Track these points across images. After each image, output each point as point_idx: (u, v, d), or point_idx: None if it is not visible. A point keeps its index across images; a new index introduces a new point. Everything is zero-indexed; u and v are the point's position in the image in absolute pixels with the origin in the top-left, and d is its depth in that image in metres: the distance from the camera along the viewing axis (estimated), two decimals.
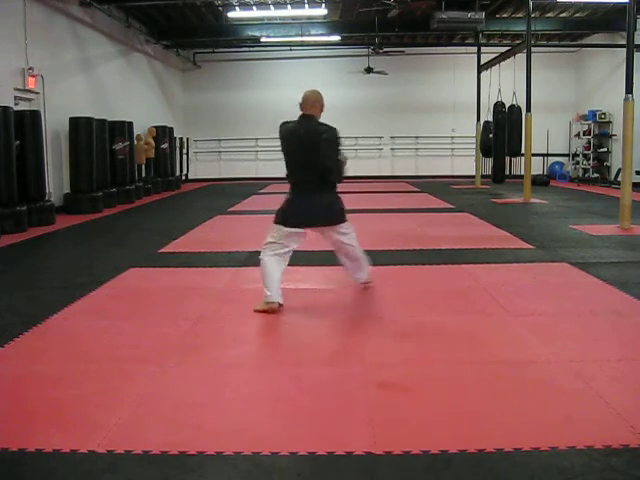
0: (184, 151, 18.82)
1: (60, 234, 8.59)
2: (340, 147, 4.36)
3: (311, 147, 4.22)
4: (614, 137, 16.33)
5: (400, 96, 19.12)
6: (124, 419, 2.69)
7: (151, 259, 6.49)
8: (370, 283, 4.96)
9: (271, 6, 13.98)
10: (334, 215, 4.45)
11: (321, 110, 4.37)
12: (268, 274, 4.35)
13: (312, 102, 4.33)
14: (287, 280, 5.37)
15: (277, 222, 4.39)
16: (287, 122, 4.39)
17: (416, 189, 15.44)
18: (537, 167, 16.82)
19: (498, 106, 13.67)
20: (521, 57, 12.37)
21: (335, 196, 4.47)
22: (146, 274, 5.82)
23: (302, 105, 4.35)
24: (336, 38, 16.44)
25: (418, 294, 4.94)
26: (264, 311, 4.34)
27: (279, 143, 4.41)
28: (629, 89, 8.08)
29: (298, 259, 5.07)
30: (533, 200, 12.02)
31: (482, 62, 15.28)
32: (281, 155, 4.42)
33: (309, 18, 15.06)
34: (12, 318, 4.28)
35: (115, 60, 14.05)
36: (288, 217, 4.36)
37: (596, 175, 16.86)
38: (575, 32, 17.02)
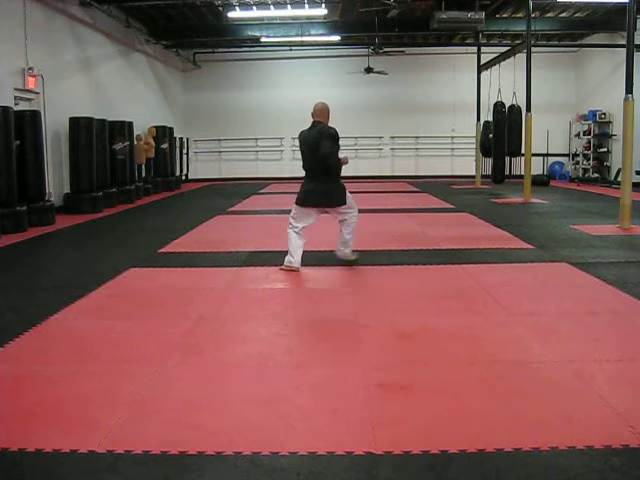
0: (184, 151, 18.81)
1: (60, 234, 8.59)
2: (337, 141, 5.43)
3: (316, 144, 5.39)
4: (614, 137, 16.33)
5: (400, 96, 19.12)
6: (124, 419, 2.69)
7: (151, 259, 6.49)
8: (352, 258, 5.80)
9: (271, 6, 13.98)
10: (333, 199, 5.55)
11: (328, 117, 5.63)
12: (289, 243, 5.64)
13: (320, 111, 5.60)
14: (286, 280, 5.41)
15: (295, 202, 5.67)
16: (303, 130, 5.65)
17: (416, 189, 15.44)
18: (537, 167, 16.84)
19: (498, 106, 13.65)
20: (521, 57, 12.38)
21: (336, 184, 5.54)
22: (146, 274, 5.82)
23: (313, 114, 5.61)
24: (336, 38, 16.43)
25: (418, 294, 4.94)
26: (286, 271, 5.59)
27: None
28: (629, 89, 8.08)
29: None
30: (533, 200, 12.02)
31: (482, 62, 15.29)
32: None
33: (309, 18, 15.06)
34: (12, 318, 4.28)
35: (115, 60, 14.05)
36: (301, 198, 5.61)
37: (596, 175, 16.86)
38: (575, 32, 17.03)
